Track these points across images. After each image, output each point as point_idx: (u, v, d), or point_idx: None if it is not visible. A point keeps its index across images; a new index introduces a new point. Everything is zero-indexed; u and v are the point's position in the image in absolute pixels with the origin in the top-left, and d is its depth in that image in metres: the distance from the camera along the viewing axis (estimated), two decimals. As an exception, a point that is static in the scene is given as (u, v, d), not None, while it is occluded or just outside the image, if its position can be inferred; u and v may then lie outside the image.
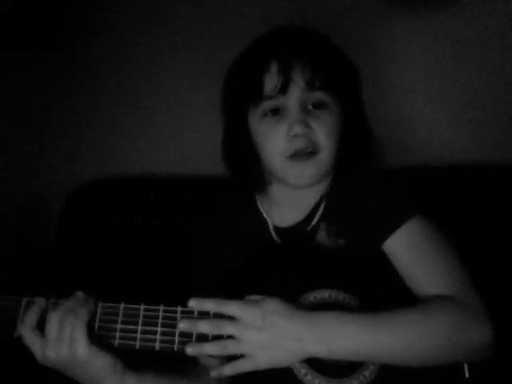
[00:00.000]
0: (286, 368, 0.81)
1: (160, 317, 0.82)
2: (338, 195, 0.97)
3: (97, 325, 0.82)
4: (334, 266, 0.89)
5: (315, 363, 0.82)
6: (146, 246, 1.36)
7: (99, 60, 1.46)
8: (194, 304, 0.80)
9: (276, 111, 0.92)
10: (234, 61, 0.98)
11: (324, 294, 0.86)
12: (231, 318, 0.79)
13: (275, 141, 0.92)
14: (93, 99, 1.46)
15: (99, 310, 0.83)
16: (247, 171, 1.00)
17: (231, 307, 0.79)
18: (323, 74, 0.91)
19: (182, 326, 0.80)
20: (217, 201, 1.08)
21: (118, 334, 0.82)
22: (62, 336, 0.79)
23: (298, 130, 0.89)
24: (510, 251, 1.18)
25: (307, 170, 0.91)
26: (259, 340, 0.77)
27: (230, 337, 0.79)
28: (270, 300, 0.79)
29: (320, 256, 0.93)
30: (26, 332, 0.81)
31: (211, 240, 1.02)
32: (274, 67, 0.91)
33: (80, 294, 0.84)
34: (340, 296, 0.86)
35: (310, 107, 0.92)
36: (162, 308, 0.82)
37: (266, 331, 0.77)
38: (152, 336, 0.81)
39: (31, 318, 0.81)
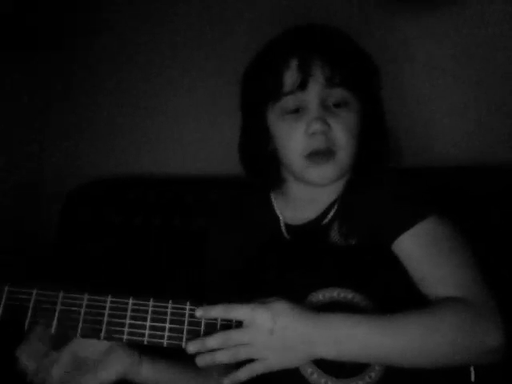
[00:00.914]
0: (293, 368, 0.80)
1: (168, 313, 0.81)
2: (353, 195, 0.95)
3: (105, 319, 0.81)
4: (343, 265, 0.88)
5: (321, 362, 0.81)
6: (146, 245, 1.36)
7: (99, 60, 1.46)
8: (201, 313, 0.79)
9: (296, 111, 0.91)
10: (253, 58, 0.98)
11: (333, 293, 0.85)
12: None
13: (294, 139, 0.91)
14: (93, 99, 1.47)
15: (108, 305, 0.82)
16: (264, 170, 0.99)
17: (240, 312, 0.77)
18: (343, 70, 0.90)
19: (191, 349, 0.78)
20: (231, 200, 1.08)
21: (126, 330, 0.81)
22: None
23: (316, 127, 0.88)
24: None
25: (326, 172, 0.90)
26: (271, 343, 0.76)
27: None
28: (278, 302, 0.78)
29: (329, 254, 0.91)
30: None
31: (224, 239, 1.02)
32: (293, 63, 0.90)
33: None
34: (349, 295, 0.84)
35: (330, 105, 0.91)
36: (170, 305, 0.81)
37: (276, 334, 0.76)
38: (160, 332, 0.80)
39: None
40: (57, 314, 0.81)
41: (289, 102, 0.91)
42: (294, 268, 0.88)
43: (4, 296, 0.81)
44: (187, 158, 1.45)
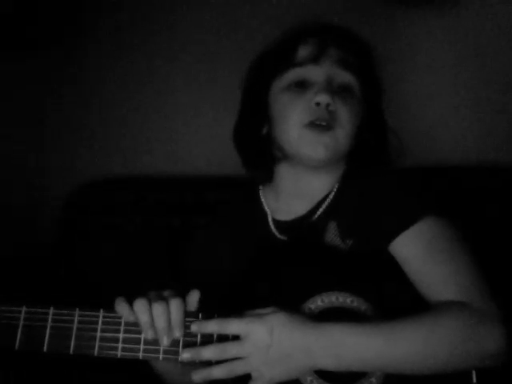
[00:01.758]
0: None
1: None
2: (348, 191, 0.94)
3: (98, 335, 0.79)
4: (341, 268, 0.87)
5: (321, 370, 0.79)
6: (146, 245, 1.36)
7: (99, 60, 1.45)
8: (196, 329, 0.77)
9: (301, 84, 0.92)
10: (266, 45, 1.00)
11: (331, 298, 0.83)
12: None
13: (295, 108, 0.91)
14: (92, 100, 1.46)
15: (100, 320, 0.79)
16: (258, 149, 0.99)
17: (235, 327, 0.76)
18: (355, 58, 0.93)
19: (186, 356, 0.77)
20: (218, 199, 1.08)
21: (120, 345, 0.79)
22: None
23: (322, 98, 0.89)
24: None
25: (322, 141, 0.90)
26: (268, 358, 0.75)
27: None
28: (275, 314, 0.76)
29: (326, 256, 0.90)
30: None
31: (209, 239, 1.02)
32: (311, 40, 0.93)
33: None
34: (348, 299, 0.83)
35: (337, 86, 0.92)
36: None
37: (274, 349, 0.75)
38: (154, 347, 0.78)
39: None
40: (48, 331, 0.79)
41: (298, 74, 0.92)
42: (289, 272, 0.86)
43: None
44: (187, 158, 1.44)
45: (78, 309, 0.80)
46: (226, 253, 0.98)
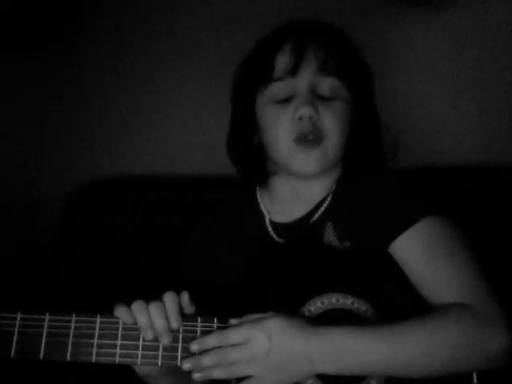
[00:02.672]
0: None
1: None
2: (345, 193, 0.93)
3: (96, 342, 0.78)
4: (340, 269, 0.86)
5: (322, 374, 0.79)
6: (146, 245, 1.36)
7: (99, 60, 1.45)
8: (196, 347, 0.77)
9: (285, 100, 0.90)
10: (251, 47, 0.98)
11: (331, 299, 0.82)
12: None
13: (280, 123, 0.89)
14: (93, 99, 1.46)
15: (97, 325, 0.78)
16: (250, 164, 0.98)
17: (235, 336, 0.76)
18: (336, 59, 0.90)
19: (186, 366, 0.76)
20: (218, 199, 1.07)
21: (118, 351, 0.78)
22: None
23: (303, 111, 0.87)
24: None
25: (312, 159, 0.88)
26: (267, 364, 0.74)
27: None
28: (273, 319, 0.76)
29: (325, 258, 0.89)
30: None
31: (205, 238, 1.02)
32: (287, 47, 0.90)
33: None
34: (348, 300, 0.82)
35: (321, 94, 0.90)
36: None
37: (273, 354, 0.74)
38: (153, 352, 0.78)
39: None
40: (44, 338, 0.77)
41: (279, 88, 0.90)
42: (288, 273, 0.86)
43: None
44: (187, 158, 1.44)
45: (74, 314, 0.79)
46: (223, 253, 0.98)
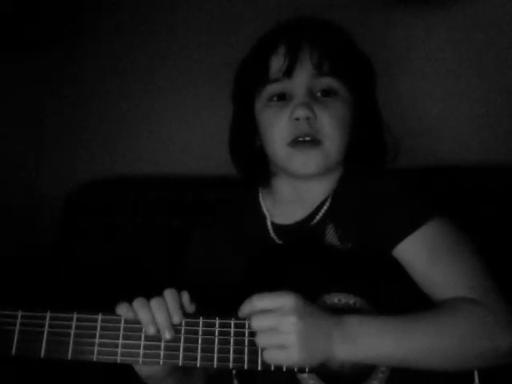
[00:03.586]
0: (293, 380, 0.79)
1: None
2: (346, 194, 0.92)
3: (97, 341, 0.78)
4: (342, 269, 0.85)
5: (323, 374, 0.79)
6: (146, 245, 1.36)
7: (99, 60, 1.46)
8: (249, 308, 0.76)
9: (282, 97, 0.89)
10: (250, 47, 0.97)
11: (334, 299, 0.82)
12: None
13: (277, 125, 0.88)
14: (92, 99, 1.46)
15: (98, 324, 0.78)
16: (252, 165, 0.98)
17: (266, 300, 0.75)
18: (333, 58, 0.88)
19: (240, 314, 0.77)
20: (218, 199, 1.07)
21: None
22: None
23: (299, 112, 0.86)
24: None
25: (311, 160, 0.87)
26: (299, 327, 0.73)
27: None
28: (293, 293, 0.75)
29: (326, 258, 0.89)
30: None
31: (208, 238, 1.01)
32: (281, 49, 0.89)
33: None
34: (350, 300, 0.82)
35: (318, 94, 0.89)
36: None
37: (304, 319, 0.73)
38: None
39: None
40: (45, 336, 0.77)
41: (275, 89, 0.89)
42: (290, 274, 0.85)
43: None
44: (187, 158, 1.44)
45: (75, 312, 0.78)
46: (226, 252, 0.98)
